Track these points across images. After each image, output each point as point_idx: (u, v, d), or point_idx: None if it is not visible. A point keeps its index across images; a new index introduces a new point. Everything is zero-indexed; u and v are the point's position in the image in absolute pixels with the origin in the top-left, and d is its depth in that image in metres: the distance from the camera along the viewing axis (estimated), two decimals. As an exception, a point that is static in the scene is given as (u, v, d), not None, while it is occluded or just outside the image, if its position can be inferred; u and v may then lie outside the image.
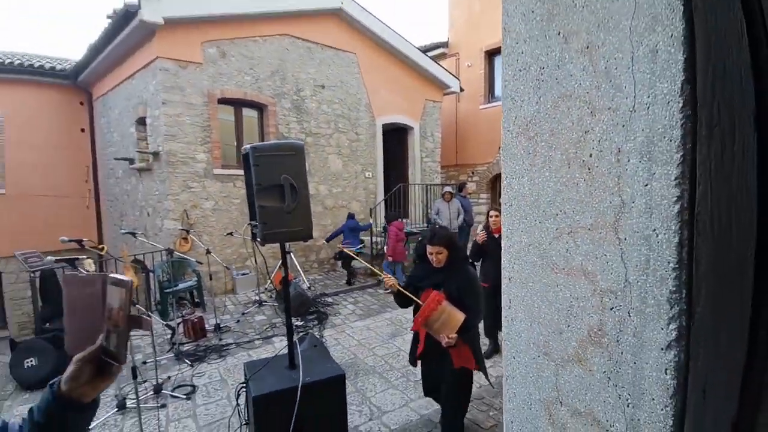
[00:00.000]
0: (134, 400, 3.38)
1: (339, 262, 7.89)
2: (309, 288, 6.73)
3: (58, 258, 3.26)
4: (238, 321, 5.59)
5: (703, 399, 0.43)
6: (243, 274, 6.94)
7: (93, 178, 9.06)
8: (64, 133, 8.83)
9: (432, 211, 8.05)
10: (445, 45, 11.60)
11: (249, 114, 7.40)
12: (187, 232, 6.07)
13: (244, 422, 2.71)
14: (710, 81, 0.41)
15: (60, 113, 8.78)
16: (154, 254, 5.82)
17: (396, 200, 8.67)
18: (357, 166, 8.71)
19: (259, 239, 2.49)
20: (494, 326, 3.92)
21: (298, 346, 2.71)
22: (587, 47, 0.51)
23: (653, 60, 0.44)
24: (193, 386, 3.85)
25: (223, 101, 6.84)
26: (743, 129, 0.40)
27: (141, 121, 7.00)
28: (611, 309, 0.49)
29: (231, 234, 6.45)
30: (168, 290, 5.37)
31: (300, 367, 2.52)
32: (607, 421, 0.50)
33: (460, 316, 2.36)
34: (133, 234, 4.72)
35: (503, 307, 0.66)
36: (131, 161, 7.25)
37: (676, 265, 0.43)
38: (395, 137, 9.68)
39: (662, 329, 0.44)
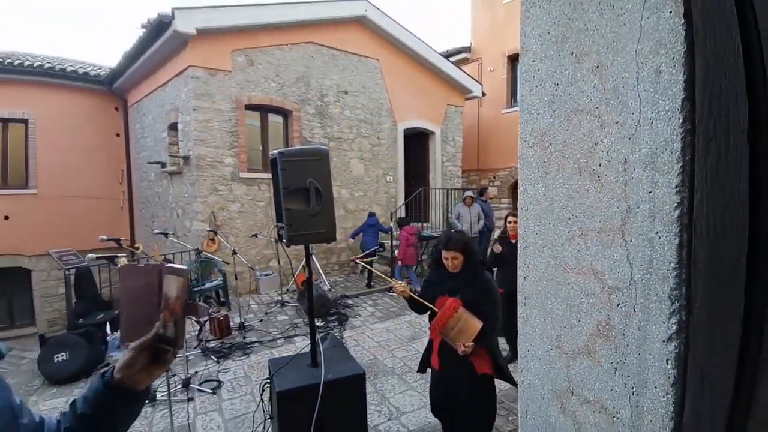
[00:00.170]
0: (164, 393, 3.54)
1: (359, 266, 8.00)
2: (330, 290, 6.84)
3: (99, 255, 3.46)
4: (262, 320, 5.74)
5: (701, 387, 0.47)
6: (266, 275, 7.11)
7: (127, 180, 9.45)
8: (100, 137, 9.23)
9: (452, 215, 8.05)
10: (467, 50, 11.60)
11: (274, 119, 7.62)
12: (215, 233, 6.29)
13: (268, 417, 2.81)
14: (708, 99, 0.46)
15: (96, 118, 9.16)
16: (183, 254, 6.06)
17: (416, 204, 8.71)
18: (378, 171, 8.80)
19: (285, 240, 2.59)
20: (513, 332, 3.92)
21: (320, 344, 2.79)
22: (597, 67, 0.56)
23: (657, 80, 0.49)
24: (219, 381, 3.99)
25: (250, 107, 7.06)
26: (737, 142, 0.44)
27: (173, 127, 7.30)
28: (618, 305, 0.54)
29: (256, 236, 6.64)
30: (196, 289, 5.57)
31: (322, 365, 2.60)
32: (614, 408, 0.54)
33: (477, 324, 2.30)
34: (165, 234, 4.94)
35: (519, 304, 0.71)
36: (163, 165, 7.56)
37: (677, 265, 0.47)
38: (416, 142, 9.72)
39: (664, 323, 0.48)
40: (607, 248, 0.54)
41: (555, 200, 0.62)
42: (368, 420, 2.79)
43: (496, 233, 4.58)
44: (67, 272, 5.92)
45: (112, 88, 8.94)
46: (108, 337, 4.79)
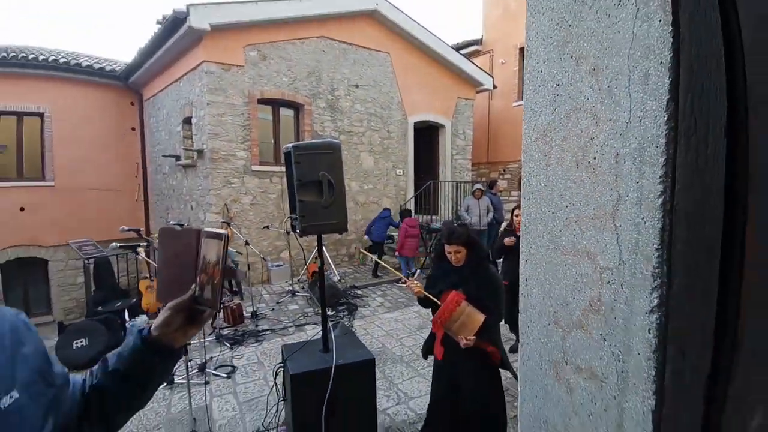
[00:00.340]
0: (181, 377, 3.69)
1: (367, 257, 8.12)
2: (339, 281, 6.96)
3: (122, 245, 3.60)
4: (273, 309, 5.89)
5: (682, 356, 0.54)
6: (277, 266, 7.26)
7: (142, 173, 9.65)
8: (116, 131, 9.41)
9: (462, 207, 8.08)
10: (478, 42, 11.52)
11: (286, 113, 7.71)
12: (228, 224, 6.43)
13: (281, 399, 2.93)
14: (690, 99, 0.52)
15: (111, 112, 9.33)
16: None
17: (426, 197, 8.76)
18: (388, 164, 8.85)
19: (298, 231, 2.68)
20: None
21: (331, 331, 2.89)
22: (594, 69, 0.62)
23: (645, 82, 0.55)
24: (233, 367, 4.14)
25: (262, 101, 7.16)
26: (715, 138, 0.50)
27: (187, 121, 7.44)
28: (608, 283, 0.60)
29: (267, 227, 6.77)
30: (210, 278, 5.71)
31: (333, 351, 2.70)
32: (602, 374, 0.61)
33: (479, 317, 2.29)
34: (180, 226, 5.08)
35: (520, 285, 0.78)
36: (177, 158, 7.72)
37: (659, 246, 0.54)
38: (426, 135, 9.74)
39: (647, 298, 0.55)
40: (599, 233, 0.61)
41: (554, 190, 0.68)
42: (377, 404, 2.89)
43: (503, 225, 4.63)
44: (86, 261, 6.13)
45: (127, 83, 9.09)
46: (127, 324, 4.97)
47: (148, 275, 5.23)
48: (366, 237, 7.81)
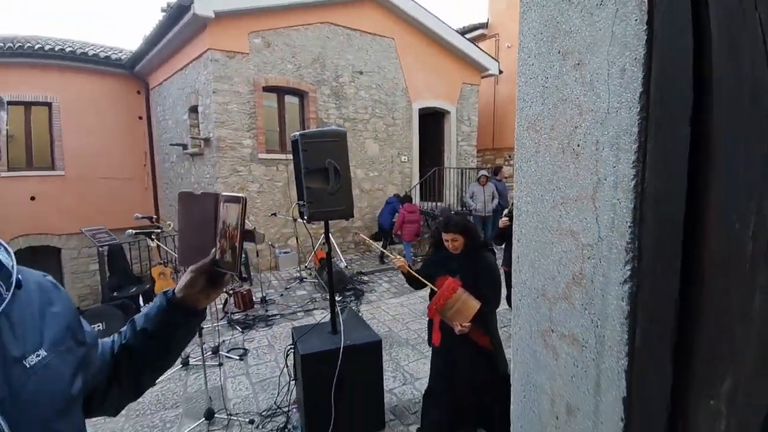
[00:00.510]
0: (196, 358, 3.84)
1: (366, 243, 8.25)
2: (346, 267, 7.08)
3: (137, 231, 3.71)
4: (282, 295, 6.03)
5: (648, 317, 0.61)
6: (285, 253, 7.39)
7: (150, 162, 9.76)
8: (123, 119, 9.50)
9: (466, 194, 8.12)
10: (484, 26, 11.35)
11: (291, 101, 7.73)
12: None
13: (292, 379, 3.06)
14: (659, 92, 0.58)
15: (118, 101, 9.40)
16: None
17: (431, 184, 8.79)
18: (393, 151, 8.87)
19: (306, 217, 2.77)
20: None
21: (339, 314, 3.00)
22: (578, 64, 0.68)
23: (622, 76, 0.61)
24: (245, 349, 4.29)
25: (267, 89, 7.19)
26: (681, 127, 0.56)
27: (193, 109, 7.50)
28: (588, 258, 0.67)
29: (275, 215, 6.88)
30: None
31: (341, 333, 2.81)
32: (584, 339, 0.69)
33: (475, 304, 2.31)
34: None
35: (513, 262, 0.85)
36: (185, 147, 7.81)
37: (631, 224, 0.60)
38: (431, 121, 9.72)
39: (621, 270, 0.62)
40: (581, 213, 0.68)
41: (543, 175, 0.75)
42: (384, 384, 3.02)
43: (505, 212, 4.68)
44: (100, 249, 6.30)
45: (133, 72, 9.14)
46: (142, 309, 5.14)
47: (160, 261, 5.38)
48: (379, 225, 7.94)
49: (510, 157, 10.68)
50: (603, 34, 0.64)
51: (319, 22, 7.52)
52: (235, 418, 3.06)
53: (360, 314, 4.82)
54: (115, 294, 6.08)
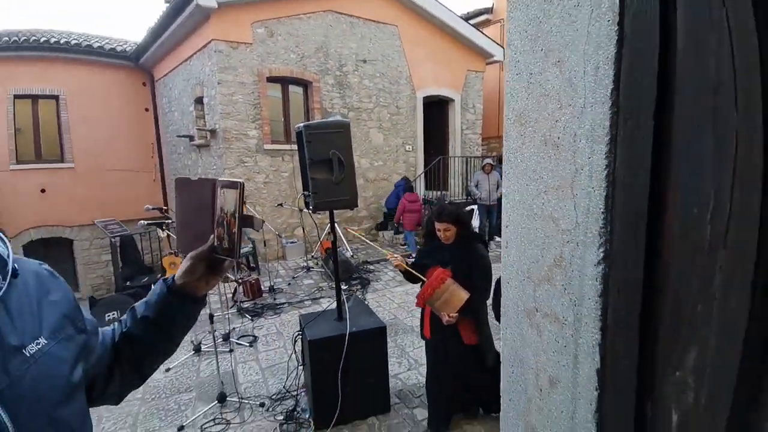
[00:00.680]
0: (208, 345, 3.97)
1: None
2: (352, 256, 7.18)
3: (149, 222, 3.82)
4: (289, 284, 6.15)
5: (618, 295, 0.67)
6: (292, 243, 7.50)
7: (158, 153, 9.87)
8: (130, 112, 9.57)
9: (471, 183, 8.13)
10: (489, 11, 11.19)
11: (295, 90, 7.75)
12: (243, 203, 6.64)
13: (300, 364, 3.16)
14: (628, 89, 0.63)
15: (124, 93, 9.45)
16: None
17: (435, 173, 8.80)
18: (397, 140, 8.88)
19: (311, 207, 2.84)
20: None
21: (345, 302, 3.09)
22: (559, 61, 0.73)
23: (596, 73, 0.66)
24: (255, 336, 4.41)
25: (271, 79, 7.21)
26: (646, 121, 0.61)
27: (199, 101, 7.55)
28: (567, 242, 0.73)
29: (281, 205, 6.97)
30: (228, 255, 5.99)
31: (347, 320, 2.90)
32: (564, 317, 0.75)
33: (463, 295, 2.30)
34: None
35: (502, 247, 0.91)
36: (191, 138, 7.89)
37: (604, 210, 0.66)
38: (436, 109, 9.68)
39: (595, 252, 0.68)
40: (561, 200, 0.73)
41: (528, 165, 0.80)
42: (389, 369, 3.11)
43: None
44: (112, 240, 6.46)
45: (138, 64, 9.18)
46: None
47: (171, 251, 5.51)
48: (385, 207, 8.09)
49: (515, 144, 10.64)
50: (580, 33, 0.69)
51: (321, 11, 7.49)
52: (246, 401, 3.19)
53: (366, 302, 4.92)
54: (128, 284, 6.26)
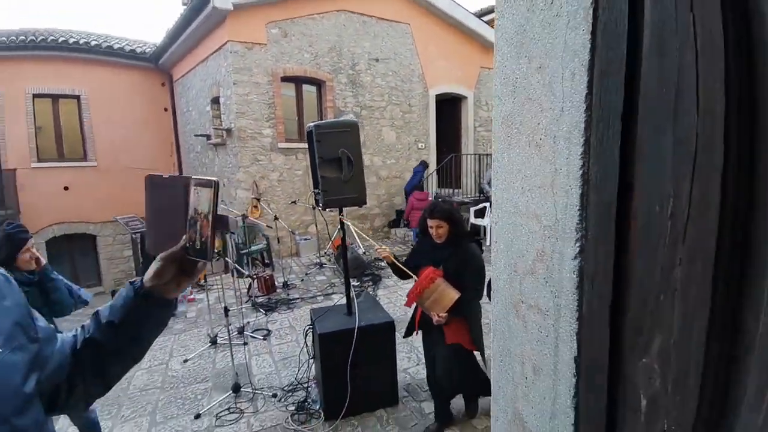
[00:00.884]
0: (223, 338, 4.10)
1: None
2: (364, 253, 7.26)
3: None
4: (302, 280, 6.27)
5: (591, 287, 0.71)
6: (305, 239, 7.63)
7: (177, 152, 10.13)
8: (150, 111, 9.85)
9: (484, 180, 8.11)
10: (503, 7, 11.05)
11: (308, 90, 7.86)
12: (258, 200, 6.79)
13: (311, 357, 3.26)
14: (599, 94, 0.67)
15: (144, 93, 9.72)
16: (230, 219, 6.63)
17: (448, 170, 8.80)
18: (410, 138, 8.90)
19: (321, 204, 2.92)
20: None
21: (355, 298, 3.16)
22: (540, 67, 0.77)
23: (572, 79, 0.71)
24: (268, 330, 4.54)
25: (285, 79, 7.34)
26: (614, 123, 0.66)
27: (215, 101, 7.74)
28: (548, 237, 0.78)
29: (295, 202, 7.09)
30: (243, 251, 6.15)
31: (356, 314, 2.98)
32: (545, 308, 0.80)
33: (453, 295, 2.28)
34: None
35: (491, 242, 0.96)
36: (208, 137, 8.09)
37: (579, 207, 0.71)
38: (448, 107, 9.67)
39: (572, 247, 0.72)
40: (543, 198, 0.78)
41: (514, 165, 0.85)
42: (399, 364, 3.18)
43: None
44: (133, 236, 6.69)
45: (157, 65, 9.43)
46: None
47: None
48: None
49: (529, 141, 10.54)
50: (558, 41, 0.73)
51: (334, 10, 7.57)
52: (260, 392, 3.30)
53: (377, 298, 4.99)
54: (147, 278, 6.46)
